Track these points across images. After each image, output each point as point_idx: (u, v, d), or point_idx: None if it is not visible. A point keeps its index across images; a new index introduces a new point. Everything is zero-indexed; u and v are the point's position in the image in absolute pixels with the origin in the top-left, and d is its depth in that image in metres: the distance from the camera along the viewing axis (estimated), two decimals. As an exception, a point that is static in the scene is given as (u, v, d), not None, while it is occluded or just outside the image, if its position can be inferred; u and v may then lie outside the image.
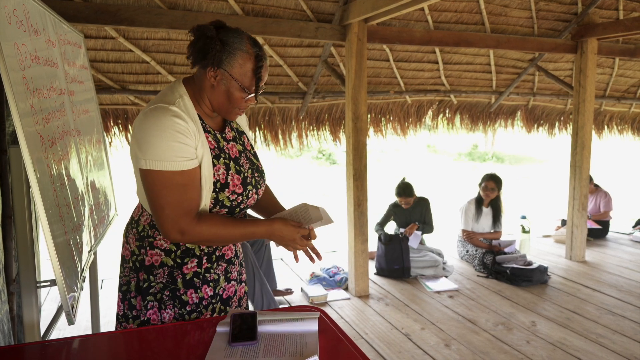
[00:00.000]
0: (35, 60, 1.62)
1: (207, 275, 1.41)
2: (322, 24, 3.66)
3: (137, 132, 1.25)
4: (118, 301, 1.46)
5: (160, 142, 1.22)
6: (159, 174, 1.23)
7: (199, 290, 1.40)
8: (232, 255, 1.48)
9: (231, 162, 1.38)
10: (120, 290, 1.45)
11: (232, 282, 1.50)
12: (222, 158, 1.36)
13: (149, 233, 1.37)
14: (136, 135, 1.26)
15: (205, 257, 1.40)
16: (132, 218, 1.45)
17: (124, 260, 1.45)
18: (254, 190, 1.43)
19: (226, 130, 1.44)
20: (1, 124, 2.01)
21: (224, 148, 1.39)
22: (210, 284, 1.42)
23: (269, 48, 4.00)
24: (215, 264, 1.43)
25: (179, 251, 1.37)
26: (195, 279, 1.39)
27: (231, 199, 1.36)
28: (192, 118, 1.30)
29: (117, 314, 1.46)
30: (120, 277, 1.46)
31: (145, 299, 1.38)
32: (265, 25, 3.48)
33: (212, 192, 1.33)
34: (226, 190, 1.35)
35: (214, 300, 1.44)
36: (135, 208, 1.45)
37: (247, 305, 1.62)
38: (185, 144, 1.25)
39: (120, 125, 3.90)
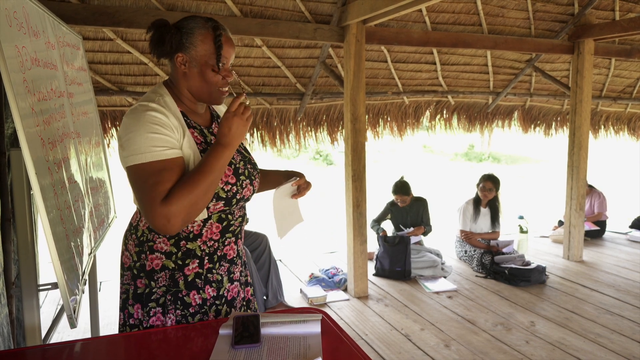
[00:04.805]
0: (35, 63, 1.61)
1: (209, 275, 1.40)
2: (320, 25, 3.67)
3: (119, 133, 1.29)
4: (119, 311, 1.44)
5: (137, 136, 1.23)
6: (138, 167, 1.23)
7: (201, 291, 1.39)
8: (234, 255, 1.48)
9: None
10: (120, 298, 1.44)
11: (235, 283, 1.49)
12: None
13: (149, 237, 1.37)
14: (118, 136, 1.30)
15: (207, 258, 1.39)
16: (130, 224, 1.44)
17: (123, 267, 1.44)
18: (247, 180, 1.43)
19: (213, 125, 1.47)
20: (0, 126, 2.00)
21: (211, 142, 1.41)
22: (213, 284, 1.41)
23: (267, 49, 4.00)
24: (218, 264, 1.42)
25: (180, 253, 1.36)
26: (197, 279, 1.38)
27: (225, 189, 1.36)
28: (173, 114, 1.32)
29: (118, 324, 1.45)
30: (120, 285, 1.45)
31: (147, 305, 1.37)
32: (263, 26, 3.47)
33: None
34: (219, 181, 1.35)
35: (217, 302, 1.42)
36: (134, 214, 1.45)
37: (256, 309, 1.61)
38: (162, 134, 1.25)
39: (118, 127, 3.89)
